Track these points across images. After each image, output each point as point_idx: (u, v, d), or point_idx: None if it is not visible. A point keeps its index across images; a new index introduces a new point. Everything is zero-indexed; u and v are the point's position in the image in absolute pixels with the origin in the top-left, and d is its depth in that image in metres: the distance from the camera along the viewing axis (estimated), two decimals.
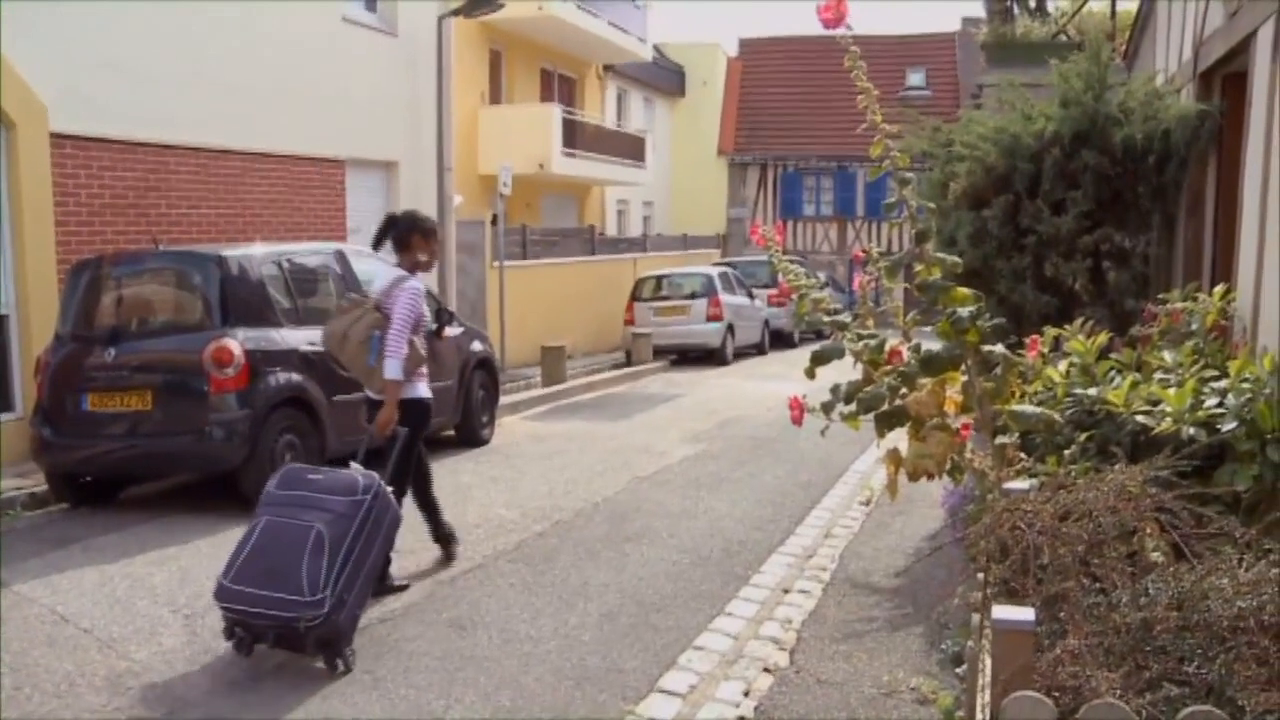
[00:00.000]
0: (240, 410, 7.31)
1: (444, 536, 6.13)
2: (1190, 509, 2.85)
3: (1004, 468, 3.90)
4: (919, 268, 4.10)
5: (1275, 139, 5.04)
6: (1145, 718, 2.23)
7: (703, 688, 4.43)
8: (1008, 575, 2.69)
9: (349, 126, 13.11)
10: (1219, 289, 5.49)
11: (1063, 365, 4.79)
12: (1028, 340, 4.90)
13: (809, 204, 31.94)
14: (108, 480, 7.90)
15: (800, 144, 31.62)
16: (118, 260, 8.11)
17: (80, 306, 7.80)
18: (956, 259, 4.11)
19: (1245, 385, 3.85)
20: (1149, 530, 2.82)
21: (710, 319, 17.98)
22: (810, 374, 4.29)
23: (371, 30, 13.84)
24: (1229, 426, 3.66)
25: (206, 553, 6.41)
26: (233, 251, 7.92)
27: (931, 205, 4.73)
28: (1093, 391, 4.35)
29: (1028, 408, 3.99)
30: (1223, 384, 3.97)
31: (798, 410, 4.28)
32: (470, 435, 9.94)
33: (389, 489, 4.87)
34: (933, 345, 4.03)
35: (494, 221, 15.70)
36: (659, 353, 17.70)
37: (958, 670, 4.18)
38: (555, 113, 19.71)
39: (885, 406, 4.09)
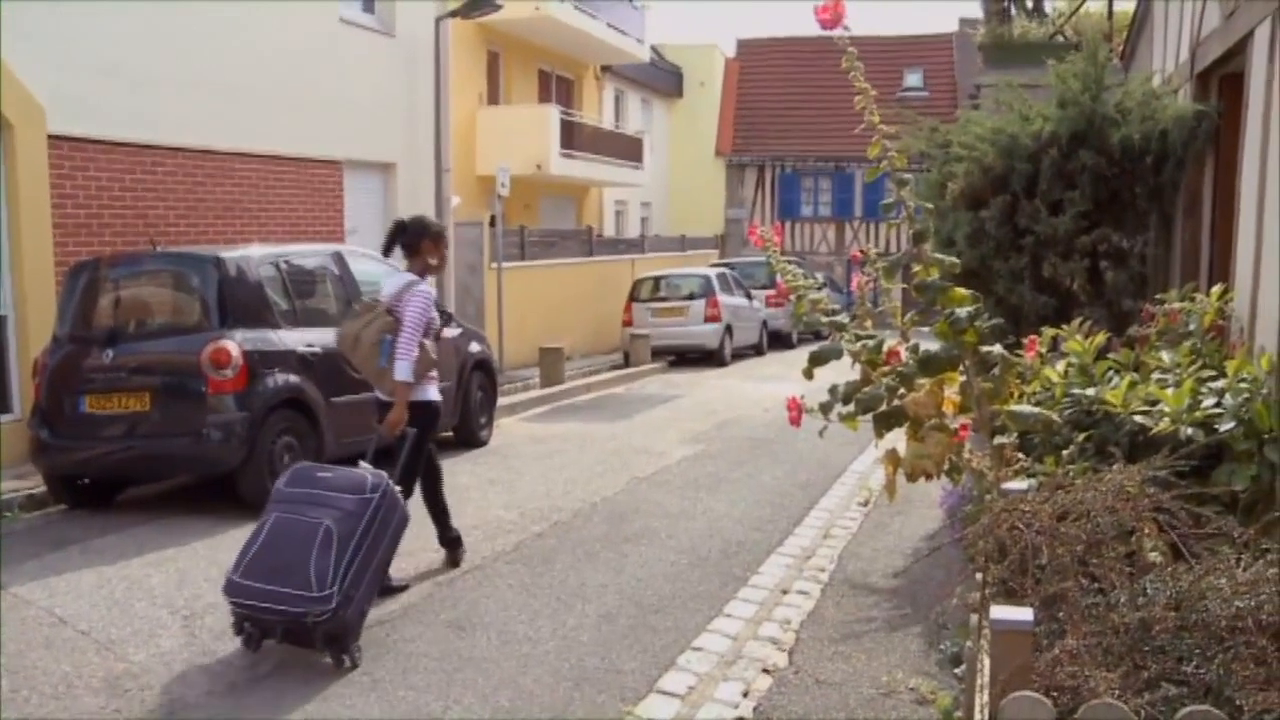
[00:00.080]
0: (238, 412, 7.31)
1: (451, 540, 6.16)
2: (1188, 509, 2.85)
3: (1002, 468, 3.91)
4: (917, 268, 4.11)
5: (1272, 139, 5.05)
6: (1144, 718, 2.24)
7: (701, 688, 4.43)
8: (1006, 575, 2.69)
9: (347, 128, 13.10)
10: (1216, 289, 5.50)
11: (1061, 365, 4.80)
12: (1026, 340, 4.92)
13: (807, 205, 31.95)
14: (106, 482, 7.89)
15: (798, 145, 31.63)
16: (115, 262, 8.11)
17: (78, 308, 7.80)
18: (954, 259, 4.11)
19: (1243, 385, 3.86)
20: (1147, 530, 2.82)
21: (708, 320, 17.98)
22: (808, 375, 4.30)
23: (369, 31, 13.83)
24: (1227, 426, 3.67)
25: (204, 554, 6.41)
26: (230, 253, 7.91)
27: (929, 206, 4.73)
28: (1091, 392, 4.36)
29: (1026, 408, 3.99)
30: (1220, 384, 3.98)
31: (796, 411, 4.28)
32: (468, 436, 9.94)
33: (397, 488, 4.93)
34: (931, 346, 4.04)
35: (492, 223, 15.70)
36: (657, 354, 17.69)
37: (956, 670, 4.18)
38: (553, 114, 19.71)
39: (883, 407, 4.09)
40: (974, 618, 3.09)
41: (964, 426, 4.10)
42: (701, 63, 31.79)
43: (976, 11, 23.43)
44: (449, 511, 6.15)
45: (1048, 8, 19.87)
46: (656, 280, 18.94)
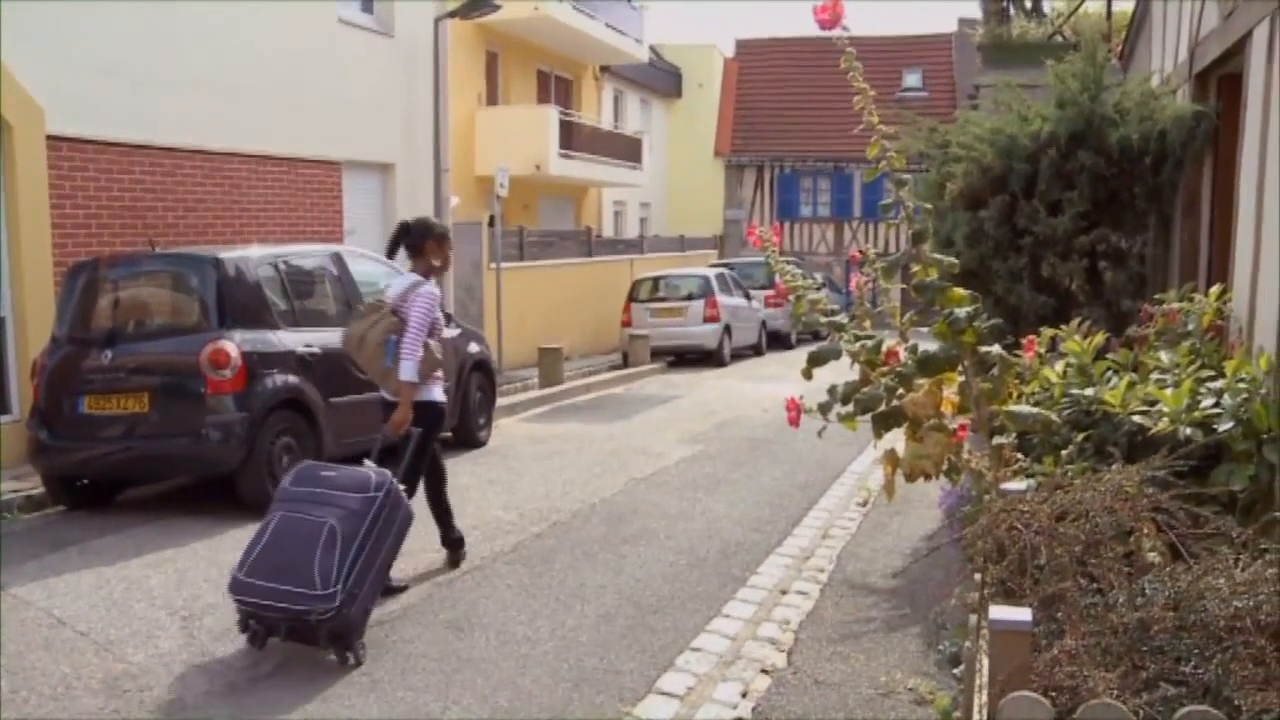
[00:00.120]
0: (237, 412, 7.31)
1: (453, 541, 6.18)
2: (1187, 509, 2.85)
3: (1001, 468, 3.91)
4: (916, 268, 4.10)
5: (1271, 139, 5.05)
6: (1142, 718, 2.24)
7: (700, 689, 4.43)
8: (1005, 576, 2.69)
9: (345, 128, 13.10)
10: (1215, 289, 5.51)
11: (1060, 366, 4.80)
12: (1025, 341, 4.92)
13: (806, 205, 31.96)
14: (105, 483, 7.89)
15: (797, 145, 31.63)
16: (114, 262, 8.10)
17: (77, 309, 7.79)
18: (953, 260, 4.11)
19: (1241, 385, 3.86)
20: (1146, 530, 2.82)
21: (707, 320, 17.98)
22: (807, 375, 4.29)
23: (368, 32, 13.83)
24: (1225, 426, 3.67)
25: (203, 555, 6.41)
26: (229, 254, 7.91)
27: (928, 206, 4.74)
28: (1089, 392, 4.36)
29: (1025, 408, 3.99)
30: (1219, 384, 3.98)
31: (795, 411, 4.28)
32: (467, 437, 9.94)
33: (401, 487, 4.98)
34: (930, 346, 4.03)
35: (491, 223, 15.70)
36: (656, 354, 17.69)
37: (955, 671, 4.18)
38: (552, 114, 19.71)
39: (882, 407, 4.09)
40: (972, 618, 3.09)
41: (963, 427, 4.09)
42: (700, 63, 31.79)
43: (975, 12, 23.47)
44: (452, 512, 6.17)
45: (1046, 8, 19.91)
46: (655, 280, 18.95)
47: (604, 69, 24.76)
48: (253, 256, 8.02)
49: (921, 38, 32.94)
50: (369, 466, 5.00)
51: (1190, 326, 5.29)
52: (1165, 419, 3.80)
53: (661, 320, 18.07)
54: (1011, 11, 19.40)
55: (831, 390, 4.29)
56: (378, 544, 4.75)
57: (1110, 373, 4.56)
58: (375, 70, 13.80)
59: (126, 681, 4.54)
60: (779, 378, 15.00)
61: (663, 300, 18.45)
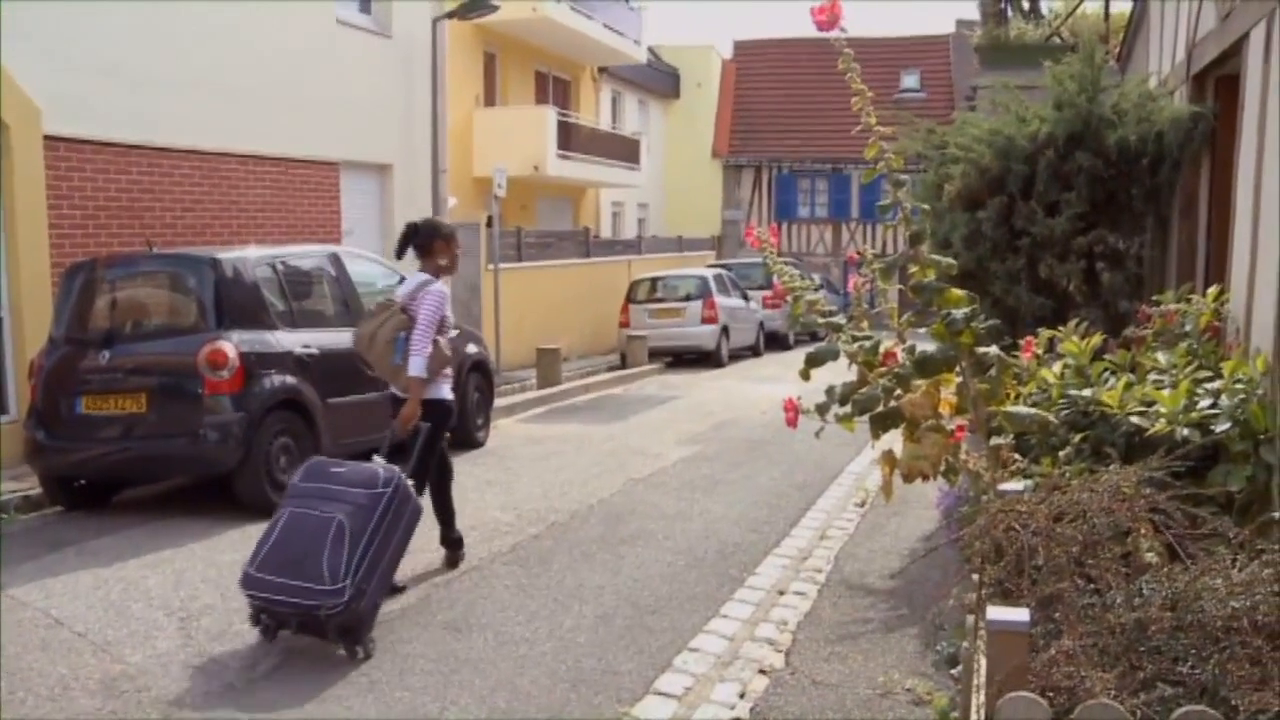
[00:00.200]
0: (235, 413, 7.30)
1: (453, 541, 6.20)
2: (1184, 510, 2.86)
3: (999, 469, 3.91)
4: (913, 269, 4.11)
5: (1268, 140, 5.05)
6: (1140, 718, 2.24)
7: (698, 689, 4.43)
8: (1002, 576, 2.70)
9: (343, 129, 13.10)
10: (1212, 290, 5.52)
11: (1057, 367, 4.81)
12: (1022, 342, 4.93)
13: (804, 206, 31.96)
14: (102, 483, 7.88)
15: (795, 146, 31.63)
16: (112, 263, 8.09)
17: (74, 309, 7.78)
18: (951, 261, 4.11)
19: (1239, 386, 3.87)
20: (1143, 531, 2.83)
21: (705, 321, 17.99)
22: (805, 376, 4.30)
23: (366, 33, 13.83)
24: (1223, 427, 3.68)
25: (201, 556, 6.40)
26: (227, 254, 7.91)
27: (926, 207, 4.73)
28: (1087, 393, 4.37)
29: (1022, 409, 4.00)
30: (1216, 385, 3.99)
31: (793, 412, 4.29)
32: (465, 437, 9.92)
33: (409, 483, 5.03)
34: (927, 347, 4.04)
35: (489, 224, 15.70)
36: (654, 355, 17.69)
37: (953, 671, 4.18)
38: (550, 115, 19.72)
39: (880, 408, 4.09)
40: (970, 618, 3.10)
41: (960, 427, 4.10)
42: (698, 64, 31.79)
43: (973, 13, 23.49)
44: (454, 512, 6.19)
45: (1044, 9, 19.93)
46: (653, 281, 18.95)
47: (602, 70, 24.76)
48: (250, 257, 8.01)
49: (919, 39, 32.96)
50: (378, 462, 5.05)
51: (1187, 327, 5.29)
52: (1162, 420, 3.81)
53: (659, 321, 18.08)
54: (1009, 13, 19.43)
55: (829, 391, 4.30)
56: (386, 539, 4.80)
57: (1108, 374, 4.57)
58: (373, 71, 13.80)
59: (124, 682, 4.53)
60: (777, 378, 15.00)
61: (661, 301, 18.45)
